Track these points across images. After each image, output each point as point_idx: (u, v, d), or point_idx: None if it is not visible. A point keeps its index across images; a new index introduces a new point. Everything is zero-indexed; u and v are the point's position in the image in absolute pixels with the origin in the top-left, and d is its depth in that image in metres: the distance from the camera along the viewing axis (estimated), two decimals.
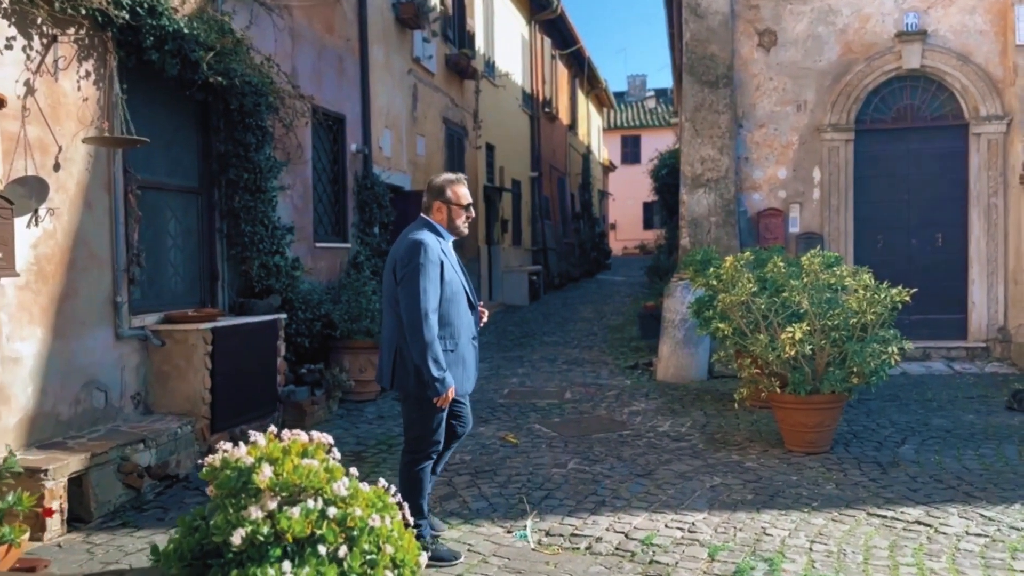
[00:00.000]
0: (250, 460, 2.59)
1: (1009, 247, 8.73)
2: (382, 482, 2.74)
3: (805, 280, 5.62)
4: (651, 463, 5.61)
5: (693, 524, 4.46)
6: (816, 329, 5.56)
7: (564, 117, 22.70)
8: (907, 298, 5.56)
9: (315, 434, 2.71)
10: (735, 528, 4.38)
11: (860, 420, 6.67)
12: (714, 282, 6.21)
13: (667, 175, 19.23)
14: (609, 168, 32.30)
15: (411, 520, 2.89)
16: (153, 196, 5.96)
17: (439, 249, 3.81)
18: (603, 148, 32.82)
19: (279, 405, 6.76)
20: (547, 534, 4.37)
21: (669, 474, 5.35)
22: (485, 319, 4.21)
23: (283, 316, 6.84)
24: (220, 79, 5.67)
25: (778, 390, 5.72)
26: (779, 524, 4.43)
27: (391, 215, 9.69)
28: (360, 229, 9.39)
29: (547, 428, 6.64)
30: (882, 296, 5.45)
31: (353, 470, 2.61)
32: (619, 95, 39.62)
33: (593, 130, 29.03)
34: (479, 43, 14.64)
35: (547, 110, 20.02)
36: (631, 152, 37.85)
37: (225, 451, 2.63)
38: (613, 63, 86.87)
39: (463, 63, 13.00)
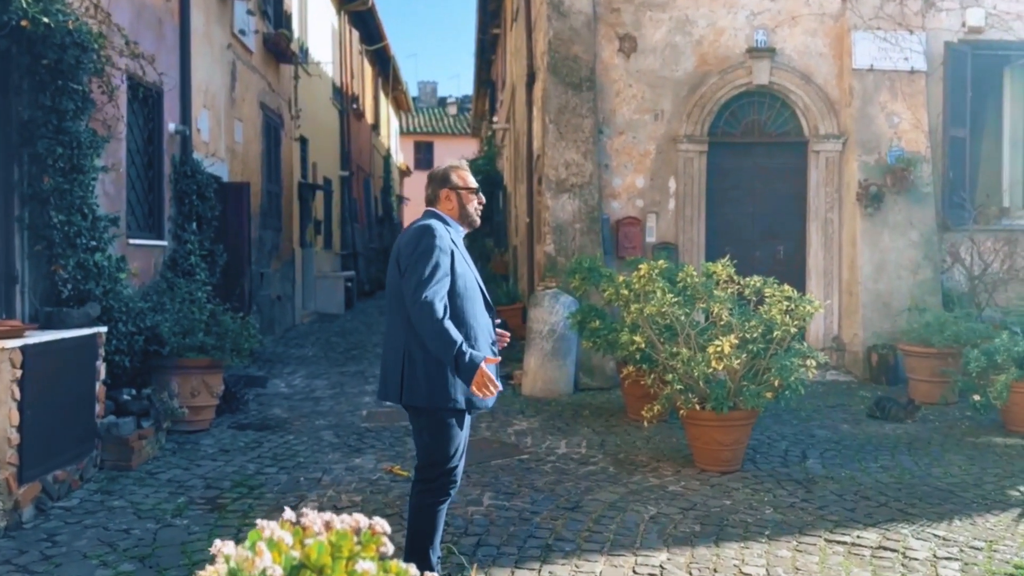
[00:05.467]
0: (278, 572, 1.66)
1: (843, 261, 9.20)
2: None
3: (729, 291, 5.33)
4: (572, 493, 5.02)
5: (663, 567, 3.93)
6: (737, 342, 5.29)
7: (369, 116, 21.67)
8: (822, 309, 5.46)
9: (360, 519, 1.80)
10: (710, 569, 3.91)
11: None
12: (624, 291, 5.76)
13: (482, 182, 18.90)
14: (405, 173, 31.54)
15: None
16: None
17: (449, 238, 3.32)
18: (400, 152, 32.04)
19: (97, 442, 5.38)
20: None
21: (598, 505, 4.80)
22: (507, 341, 3.59)
23: (103, 329, 5.46)
24: (46, 19, 4.30)
25: (697, 407, 5.38)
26: (749, 560, 4.03)
27: (215, 209, 8.34)
28: (177, 224, 7.96)
29: None
30: (804, 308, 5.28)
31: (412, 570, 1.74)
32: (412, 100, 39.07)
33: (392, 133, 28.16)
34: (295, 26, 13.37)
35: (355, 107, 18.91)
36: (424, 158, 37.34)
37: (228, 555, 1.68)
38: (404, 68, 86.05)
39: (282, 44, 11.72)
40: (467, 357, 3.08)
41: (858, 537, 4.31)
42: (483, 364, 3.09)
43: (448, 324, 3.16)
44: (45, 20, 4.32)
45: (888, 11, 8.97)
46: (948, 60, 9.08)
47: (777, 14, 9.09)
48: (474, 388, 3.09)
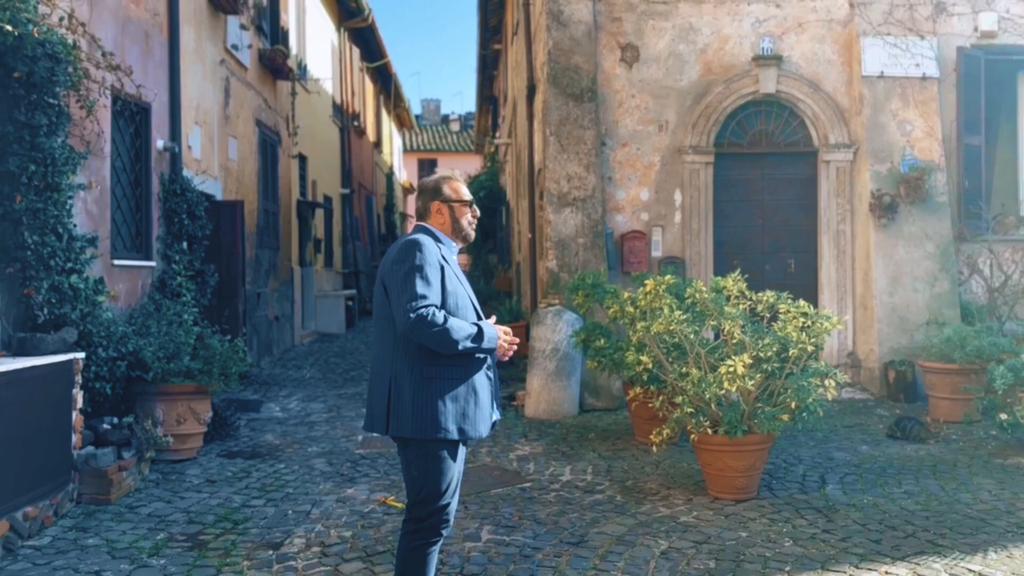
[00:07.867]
0: None
1: (857, 274, 8.89)
2: None
3: (742, 307, 5.03)
4: (576, 525, 4.70)
5: None
6: (751, 362, 4.98)
7: (371, 133, 21.48)
8: (840, 325, 5.15)
9: None
10: None
11: None
12: (630, 308, 5.46)
13: (485, 197, 18.69)
14: (409, 190, 31.33)
15: None
16: None
17: (439, 253, 3.09)
18: (403, 169, 31.88)
19: (74, 474, 5.09)
20: None
21: (605, 539, 4.47)
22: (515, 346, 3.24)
23: (80, 355, 5.18)
24: (9, 27, 4.05)
25: (709, 431, 5.06)
26: None
27: (207, 228, 8.07)
28: (166, 244, 7.70)
29: None
30: (822, 324, 4.97)
31: None
32: (415, 118, 39.00)
33: (395, 150, 28.00)
34: (292, 42, 13.17)
35: (356, 124, 18.72)
36: (428, 176, 37.22)
37: None
38: (406, 86, 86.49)
39: (279, 61, 11.51)
40: (485, 338, 3.05)
41: (887, 573, 3.97)
42: (499, 332, 3.12)
43: (452, 321, 2.97)
44: (9, 28, 4.08)
45: (898, 16, 8.71)
46: (961, 66, 8.80)
47: (783, 21, 8.83)
48: (504, 355, 3.18)
